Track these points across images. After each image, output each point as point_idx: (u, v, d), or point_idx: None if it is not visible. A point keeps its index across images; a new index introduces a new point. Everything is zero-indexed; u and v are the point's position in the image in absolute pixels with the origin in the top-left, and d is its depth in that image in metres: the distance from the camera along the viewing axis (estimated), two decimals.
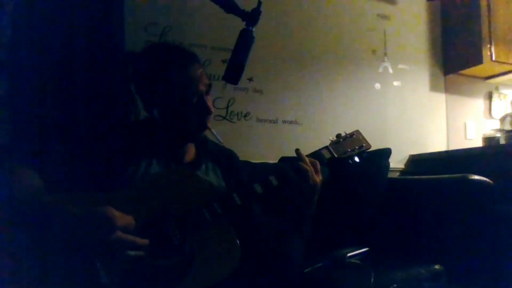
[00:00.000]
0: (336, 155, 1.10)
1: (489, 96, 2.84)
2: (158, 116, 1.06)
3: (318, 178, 1.04)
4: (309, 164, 1.03)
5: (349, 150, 1.13)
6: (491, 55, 2.41)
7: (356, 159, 1.14)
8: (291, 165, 1.03)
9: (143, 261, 0.85)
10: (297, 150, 1.06)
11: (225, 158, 1.23)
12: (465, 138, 2.72)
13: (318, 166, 1.05)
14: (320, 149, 1.10)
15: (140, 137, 1.09)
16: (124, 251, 0.82)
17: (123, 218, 0.82)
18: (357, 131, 1.18)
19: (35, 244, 0.82)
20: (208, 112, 1.07)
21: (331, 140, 1.14)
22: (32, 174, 0.91)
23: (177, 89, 1.03)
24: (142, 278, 0.86)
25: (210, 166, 1.17)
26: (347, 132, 1.17)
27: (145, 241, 0.84)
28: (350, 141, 1.14)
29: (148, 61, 1.09)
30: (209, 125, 1.08)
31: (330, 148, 1.11)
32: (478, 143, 2.66)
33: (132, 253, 0.83)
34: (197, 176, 1.05)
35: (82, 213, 0.82)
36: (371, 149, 1.19)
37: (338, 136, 1.15)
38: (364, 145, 1.16)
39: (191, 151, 1.16)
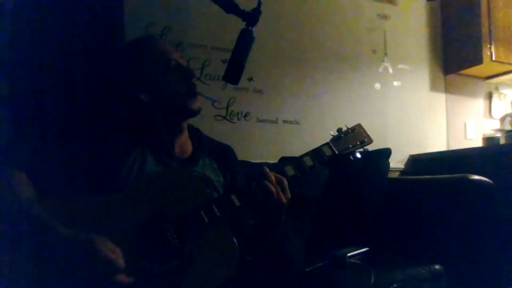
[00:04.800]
0: (337, 152, 1.07)
1: (489, 96, 2.84)
2: (147, 99, 1.07)
3: (285, 197, 0.96)
4: (274, 183, 0.95)
5: (350, 146, 1.09)
6: (491, 55, 2.41)
7: (358, 155, 1.12)
8: (255, 183, 0.95)
9: (141, 267, 0.85)
10: (263, 168, 0.97)
11: (221, 153, 1.22)
12: (465, 138, 2.72)
13: (285, 183, 0.97)
14: (321, 146, 1.07)
15: (133, 134, 1.09)
16: (105, 284, 0.82)
17: (110, 253, 0.82)
18: (359, 125, 1.14)
19: (25, 258, 0.82)
20: (190, 73, 1.11)
21: (332, 135, 1.11)
22: (26, 181, 0.91)
23: (148, 64, 1.08)
24: (140, 283, 0.85)
25: (207, 161, 1.16)
26: (349, 126, 1.13)
27: (126, 279, 0.84)
28: (352, 136, 1.10)
29: (118, 58, 1.17)
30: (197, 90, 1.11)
31: (331, 145, 1.07)
32: (478, 143, 2.67)
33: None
34: (194, 175, 1.04)
35: (72, 237, 0.82)
36: (371, 149, 1.18)
37: (339, 130, 1.11)
38: (366, 140, 1.11)
39: (187, 147, 1.16)
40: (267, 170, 0.96)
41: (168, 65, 1.09)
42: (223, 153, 1.23)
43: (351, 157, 1.10)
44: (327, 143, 1.08)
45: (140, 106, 1.07)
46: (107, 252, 0.82)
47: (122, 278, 0.83)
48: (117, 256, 0.83)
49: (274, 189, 0.94)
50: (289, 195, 0.97)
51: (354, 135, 1.12)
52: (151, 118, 1.07)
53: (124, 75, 1.10)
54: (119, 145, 1.04)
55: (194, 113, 1.11)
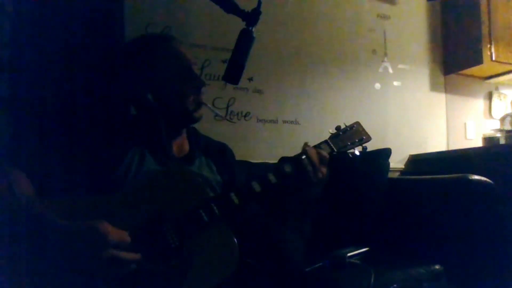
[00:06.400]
0: (335, 150, 1.08)
1: (489, 96, 2.84)
2: (153, 100, 1.06)
3: (324, 171, 1.03)
4: (316, 156, 1.02)
5: (349, 143, 1.10)
6: (491, 55, 2.40)
7: (357, 152, 1.12)
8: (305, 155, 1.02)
9: (141, 266, 0.85)
10: (305, 144, 1.06)
11: (218, 152, 1.22)
12: (465, 138, 2.72)
13: (326, 159, 1.04)
14: (319, 144, 1.08)
15: (131, 133, 1.09)
16: (117, 268, 0.82)
17: (116, 234, 0.82)
18: (357, 122, 1.16)
19: (27, 255, 0.81)
20: (200, 83, 1.10)
21: (331, 133, 1.12)
22: (26, 181, 0.91)
23: (164, 65, 1.07)
24: (140, 283, 0.85)
25: (204, 160, 1.16)
26: (347, 124, 1.15)
27: (138, 256, 0.84)
28: (350, 134, 1.12)
29: (133, 50, 1.14)
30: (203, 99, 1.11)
31: (330, 142, 1.08)
32: (478, 143, 2.67)
33: (125, 268, 0.83)
34: (192, 175, 1.04)
35: (74, 228, 0.82)
36: (371, 149, 1.18)
37: (338, 128, 1.12)
38: (364, 137, 1.12)
39: (184, 146, 1.16)
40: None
41: (182, 71, 1.08)
42: (220, 152, 1.23)
43: (350, 155, 1.11)
44: (325, 141, 1.09)
45: (145, 105, 1.07)
46: (112, 234, 0.82)
47: (131, 256, 0.83)
48: (123, 236, 0.83)
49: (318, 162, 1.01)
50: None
51: (353, 133, 1.12)
52: (153, 118, 1.07)
53: (135, 71, 1.09)
54: (116, 144, 1.04)
55: (196, 120, 1.12)
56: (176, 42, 1.13)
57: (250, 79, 2.03)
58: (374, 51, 2.43)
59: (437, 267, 1.48)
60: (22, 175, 0.91)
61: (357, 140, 1.12)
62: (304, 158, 1.01)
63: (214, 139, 1.27)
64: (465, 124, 2.73)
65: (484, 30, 2.40)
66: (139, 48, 1.12)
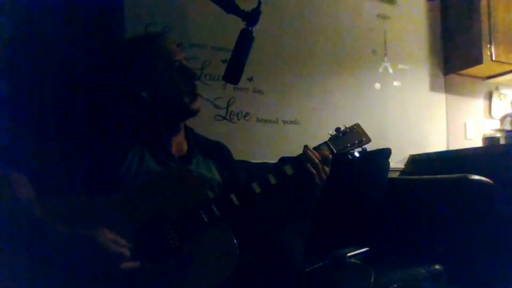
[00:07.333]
0: (335, 151, 1.08)
1: (489, 96, 2.84)
2: (148, 98, 1.06)
3: (327, 171, 1.03)
4: (319, 157, 1.02)
5: (348, 145, 1.11)
6: (491, 55, 2.41)
7: (356, 154, 1.12)
8: (304, 158, 1.01)
9: (141, 266, 0.85)
10: (305, 147, 1.05)
11: (215, 151, 1.23)
12: (465, 138, 2.72)
13: (330, 159, 1.04)
14: (319, 145, 1.08)
15: (131, 133, 1.09)
16: (116, 275, 0.82)
17: (115, 243, 0.83)
18: (357, 124, 1.16)
19: (27, 258, 0.81)
20: (193, 75, 1.11)
21: (330, 135, 1.12)
22: (26, 182, 0.91)
23: (152, 63, 1.07)
24: (140, 282, 0.85)
25: (201, 159, 1.16)
26: (347, 126, 1.15)
27: (136, 264, 0.84)
28: (350, 135, 1.12)
29: (121, 53, 1.16)
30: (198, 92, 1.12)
31: (329, 144, 1.09)
32: (478, 143, 2.67)
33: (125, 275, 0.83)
34: (192, 175, 1.04)
35: (75, 236, 0.82)
36: (371, 149, 1.18)
37: (337, 130, 1.12)
38: (364, 139, 1.13)
39: (182, 145, 1.16)
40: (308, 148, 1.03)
41: (172, 65, 1.09)
42: (217, 151, 1.23)
43: (350, 156, 1.11)
44: (325, 142, 1.09)
45: (141, 103, 1.08)
46: (110, 243, 0.82)
47: (129, 265, 0.83)
48: (120, 244, 0.84)
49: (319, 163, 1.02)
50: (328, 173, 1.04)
51: (353, 135, 1.12)
52: (151, 116, 1.08)
53: (127, 71, 1.10)
54: (116, 144, 1.04)
55: (194, 113, 1.12)
56: (161, 39, 1.15)
57: (250, 79, 2.03)
58: (374, 51, 2.43)
59: (437, 267, 1.48)
60: (22, 177, 0.91)
61: (356, 142, 1.12)
62: (307, 159, 1.01)
63: (209, 138, 1.28)
64: (465, 124, 2.74)
65: (484, 30, 2.40)
66: (127, 50, 1.14)
